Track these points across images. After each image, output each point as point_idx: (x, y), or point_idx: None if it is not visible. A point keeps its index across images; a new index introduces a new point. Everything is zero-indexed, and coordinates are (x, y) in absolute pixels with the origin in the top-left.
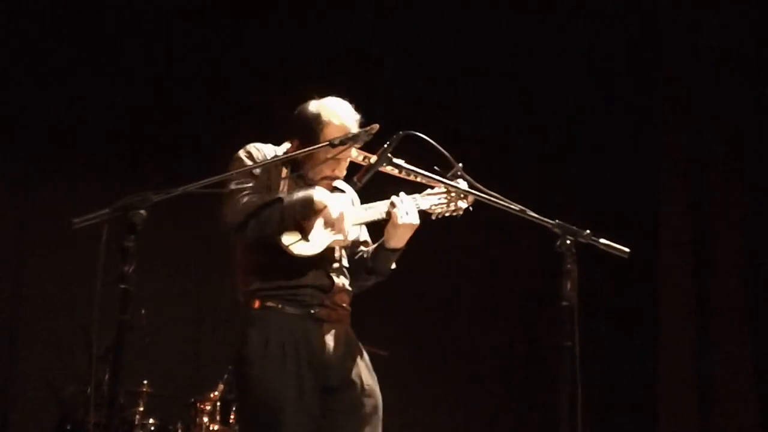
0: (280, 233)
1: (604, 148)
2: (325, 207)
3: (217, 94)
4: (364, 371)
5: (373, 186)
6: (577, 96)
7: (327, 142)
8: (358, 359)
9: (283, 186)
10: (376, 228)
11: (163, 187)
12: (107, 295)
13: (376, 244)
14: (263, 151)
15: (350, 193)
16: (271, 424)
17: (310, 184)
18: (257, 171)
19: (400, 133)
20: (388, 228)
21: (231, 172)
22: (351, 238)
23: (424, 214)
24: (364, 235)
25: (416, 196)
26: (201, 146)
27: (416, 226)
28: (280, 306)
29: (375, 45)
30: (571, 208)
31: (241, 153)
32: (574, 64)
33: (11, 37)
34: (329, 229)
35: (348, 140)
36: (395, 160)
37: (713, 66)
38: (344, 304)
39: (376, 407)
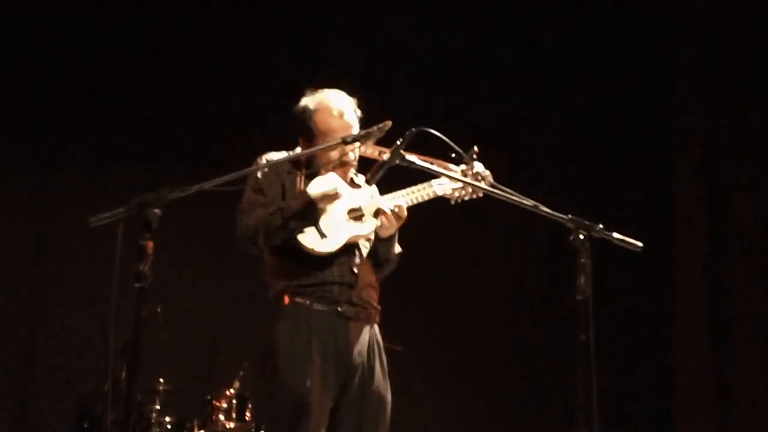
0: (295, 236)
1: (618, 142)
2: (324, 195)
3: (236, 92)
4: (379, 376)
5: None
6: (589, 91)
7: (340, 140)
8: (377, 364)
9: (298, 187)
10: None
11: (180, 184)
12: (124, 292)
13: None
14: (275, 161)
15: (370, 188)
16: (297, 412)
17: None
18: (267, 182)
19: (413, 129)
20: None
21: (239, 173)
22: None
23: (442, 200)
24: None
25: (432, 182)
26: (218, 144)
27: (401, 219)
28: (308, 302)
29: (389, 40)
30: (585, 202)
31: (255, 168)
32: (586, 60)
33: (25, 35)
34: (344, 220)
35: (361, 137)
36: (408, 157)
37: (728, 58)
38: (373, 302)
39: (383, 413)
